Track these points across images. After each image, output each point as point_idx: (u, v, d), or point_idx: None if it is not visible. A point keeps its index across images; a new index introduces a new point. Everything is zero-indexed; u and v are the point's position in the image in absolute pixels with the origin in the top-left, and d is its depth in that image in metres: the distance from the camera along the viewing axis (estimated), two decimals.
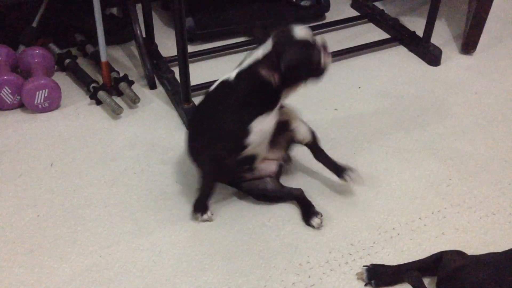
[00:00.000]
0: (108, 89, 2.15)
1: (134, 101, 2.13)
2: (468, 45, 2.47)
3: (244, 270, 1.54)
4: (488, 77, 2.36)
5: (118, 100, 2.17)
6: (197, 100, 2.13)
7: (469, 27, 2.45)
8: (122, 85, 2.16)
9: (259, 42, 1.51)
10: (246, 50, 2.51)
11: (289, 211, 1.72)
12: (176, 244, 1.60)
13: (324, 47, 1.51)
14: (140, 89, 2.25)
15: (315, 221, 1.67)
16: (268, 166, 1.74)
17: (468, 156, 1.95)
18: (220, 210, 1.72)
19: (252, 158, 1.63)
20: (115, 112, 2.07)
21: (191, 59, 2.41)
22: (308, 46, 1.47)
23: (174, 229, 1.65)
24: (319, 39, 1.51)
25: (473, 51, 2.48)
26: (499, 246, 1.59)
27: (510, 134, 2.05)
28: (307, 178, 1.85)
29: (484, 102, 2.21)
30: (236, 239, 1.63)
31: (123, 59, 2.46)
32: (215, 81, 2.17)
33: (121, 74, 2.22)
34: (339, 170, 1.75)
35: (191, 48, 2.47)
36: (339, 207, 1.74)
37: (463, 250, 1.46)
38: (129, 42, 2.55)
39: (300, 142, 1.74)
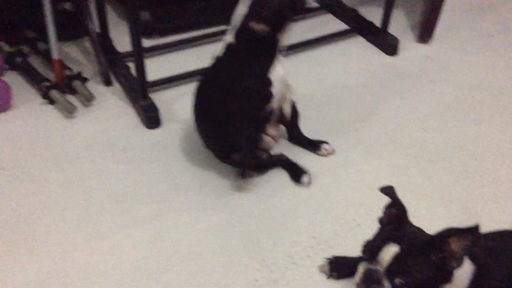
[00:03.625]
0: (61, 88, 2.08)
1: (88, 99, 2.07)
2: (424, 34, 2.50)
3: (206, 269, 1.52)
4: (444, 66, 2.40)
5: (72, 99, 2.09)
6: (156, 96, 2.11)
7: (425, 16, 2.48)
8: (76, 83, 2.10)
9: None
10: (207, 43, 2.47)
11: (251, 208, 1.71)
12: (136, 246, 1.57)
13: None
14: (95, 86, 2.19)
15: (304, 179, 1.78)
16: (269, 141, 1.81)
17: (426, 144, 1.98)
18: (181, 209, 1.70)
19: (270, 113, 1.70)
20: (69, 112, 2.00)
21: (148, 54, 2.36)
22: None
23: (133, 231, 1.62)
24: None
25: (429, 40, 2.51)
26: None
27: (466, 121, 2.09)
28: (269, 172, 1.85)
29: (440, 90, 2.25)
30: (198, 238, 1.61)
31: (77, 56, 2.38)
32: (173, 76, 2.18)
33: (75, 72, 2.15)
34: (315, 146, 1.89)
35: (148, 43, 2.42)
36: (300, 200, 1.75)
37: None
38: (83, 38, 2.46)
39: (284, 119, 1.84)
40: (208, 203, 1.73)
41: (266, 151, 1.81)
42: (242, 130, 1.67)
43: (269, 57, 1.62)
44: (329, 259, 1.53)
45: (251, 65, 1.61)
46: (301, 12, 1.65)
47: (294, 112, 1.87)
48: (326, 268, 1.52)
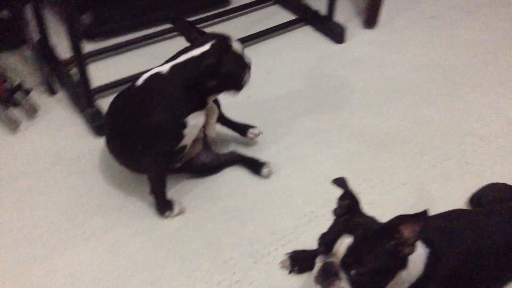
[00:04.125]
0: (2, 102, 1.99)
1: (32, 111, 1.99)
2: (370, 19, 2.52)
3: (166, 277, 1.50)
4: (391, 50, 2.43)
5: (15, 112, 2.01)
6: (104, 102, 2.04)
7: (369, 2, 2.50)
8: (18, 95, 2.01)
9: (194, 44, 1.55)
10: (153, 43, 2.42)
11: (209, 210, 1.69)
12: (92, 261, 1.52)
13: (249, 65, 1.64)
14: (39, 96, 2.10)
15: (265, 171, 1.79)
16: (193, 148, 1.74)
17: (377, 130, 2.00)
18: (136, 218, 1.66)
19: (182, 148, 1.65)
20: (11, 128, 1.92)
21: (93, 58, 2.29)
22: (241, 60, 1.60)
23: (88, 246, 1.57)
24: (247, 55, 1.62)
25: (375, 25, 2.54)
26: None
27: (415, 104, 2.13)
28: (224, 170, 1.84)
29: (389, 75, 2.28)
30: (155, 246, 1.58)
31: (17, 66, 2.27)
32: (120, 80, 2.11)
33: (16, 83, 2.05)
34: (242, 130, 1.88)
35: (92, 46, 2.35)
36: (258, 197, 1.74)
37: None
38: (22, 47, 2.36)
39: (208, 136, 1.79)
40: None
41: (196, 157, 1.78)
42: (149, 162, 1.60)
43: (196, 104, 1.56)
44: (289, 254, 1.53)
45: (173, 102, 1.53)
46: (239, 90, 1.64)
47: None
48: (287, 264, 1.52)
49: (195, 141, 1.71)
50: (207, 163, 1.79)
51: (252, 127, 1.89)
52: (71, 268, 1.50)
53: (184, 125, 1.54)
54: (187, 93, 1.53)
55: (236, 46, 1.58)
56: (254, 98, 2.13)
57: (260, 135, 1.89)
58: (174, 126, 1.54)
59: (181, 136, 1.56)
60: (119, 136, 1.63)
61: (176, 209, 1.66)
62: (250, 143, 1.92)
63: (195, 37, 1.58)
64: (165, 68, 1.54)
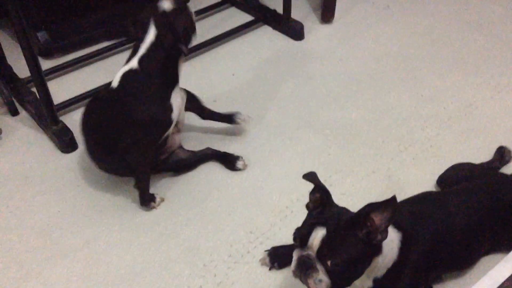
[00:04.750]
0: None
1: None
2: (326, 15, 2.57)
3: (148, 286, 1.49)
4: (349, 43, 2.48)
5: None
6: (68, 117, 2.02)
7: None
8: None
9: (140, 31, 1.59)
10: (111, 55, 2.40)
11: (184, 215, 1.70)
12: (70, 279, 1.51)
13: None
14: (1, 118, 2.06)
15: (239, 164, 1.83)
16: (173, 140, 1.80)
17: (342, 122, 2.04)
18: (111, 231, 1.65)
19: (165, 139, 1.72)
20: None
21: (53, 75, 2.26)
22: (184, 10, 1.62)
23: (65, 263, 1.55)
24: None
25: (332, 19, 2.59)
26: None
27: (376, 93, 2.18)
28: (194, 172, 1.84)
29: (349, 68, 2.33)
30: (134, 257, 1.57)
31: None
32: (82, 94, 2.09)
33: None
34: (229, 118, 1.93)
35: (50, 63, 2.32)
36: (233, 197, 1.75)
37: None
38: None
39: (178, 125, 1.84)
40: (138, 219, 1.69)
41: (178, 148, 1.83)
42: (137, 157, 1.66)
43: (171, 83, 1.64)
44: (268, 251, 1.56)
45: (154, 91, 1.61)
46: (194, 36, 1.69)
47: (191, 97, 1.87)
48: (267, 260, 1.54)
49: (174, 134, 1.78)
50: (183, 159, 1.83)
51: (237, 113, 1.94)
52: None
53: (171, 108, 1.63)
54: (163, 72, 1.60)
55: (167, 5, 1.59)
56: (220, 101, 2.14)
57: (248, 118, 1.94)
58: (163, 111, 1.61)
59: (170, 121, 1.65)
60: (104, 139, 1.67)
61: (158, 200, 1.72)
62: (222, 141, 1.95)
63: (136, 29, 1.62)
64: (134, 63, 1.59)
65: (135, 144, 1.62)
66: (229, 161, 1.84)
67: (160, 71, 1.60)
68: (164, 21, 1.57)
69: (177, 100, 1.66)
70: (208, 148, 1.89)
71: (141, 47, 1.59)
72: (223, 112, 1.95)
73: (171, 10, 1.58)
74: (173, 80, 1.65)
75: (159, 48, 1.58)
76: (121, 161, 1.69)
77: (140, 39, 1.60)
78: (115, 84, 1.62)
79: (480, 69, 2.29)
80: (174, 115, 1.66)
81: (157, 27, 1.57)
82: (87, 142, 1.72)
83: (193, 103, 1.88)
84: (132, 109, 1.59)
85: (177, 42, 1.57)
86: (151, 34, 1.58)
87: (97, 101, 1.71)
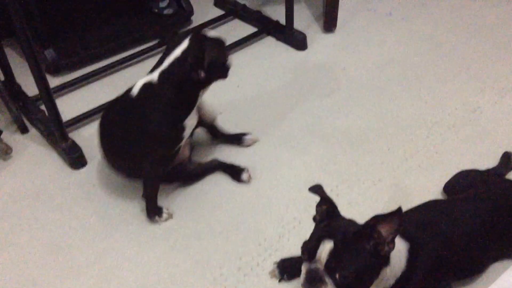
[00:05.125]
0: None
1: (6, 151, 1.98)
2: (329, 23, 2.59)
3: None
4: (352, 51, 2.50)
5: None
6: (76, 134, 2.05)
7: (326, 7, 2.57)
8: None
9: (172, 45, 1.61)
10: (120, 70, 2.43)
11: (193, 228, 1.72)
12: None
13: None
14: (11, 136, 2.09)
15: (244, 176, 1.84)
16: (182, 152, 1.80)
17: (347, 131, 2.06)
18: (122, 246, 1.67)
19: (178, 150, 1.73)
20: None
21: (61, 92, 2.29)
22: (221, 45, 1.64)
23: (77, 279, 1.57)
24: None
25: (334, 28, 2.60)
26: (388, 209, 1.70)
27: (381, 101, 2.19)
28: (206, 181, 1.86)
29: (353, 76, 2.35)
30: (145, 271, 1.59)
31: None
32: (90, 110, 2.12)
33: None
34: (239, 139, 1.97)
35: (58, 80, 2.35)
36: (241, 209, 1.77)
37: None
38: None
39: (208, 123, 1.89)
40: (148, 233, 1.71)
41: (185, 160, 1.85)
42: (148, 166, 1.68)
43: (190, 104, 1.64)
44: (277, 263, 1.57)
45: (168, 110, 1.61)
46: (226, 75, 1.70)
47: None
48: (277, 273, 1.55)
49: (185, 146, 1.80)
50: (190, 170, 1.85)
51: (248, 134, 1.99)
52: None
53: (183, 128, 1.64)
54: (180, 94, 1.59)
55: (213, 33, 1.62)
56: (225, 113, 2.17)
57: (256, 139, 1.99)
58: (175, 131, 1.64)
59: (180, 139, 1.67)
60: (118, 145, 1.70)
61: (165, 215, 1.73)
62: (229, 152, 1.97)
63: (169, 39, 1.65)
64: (154, 76, 1.60)
65: (148, 154, 1.65)
66: (235, 173, 1.86)
67: (177, 90, 1.59)
68: (200, 44, 1.55)
69: (190, 122, 1.67)
70: (214, 160, 1.91)
71: (166, 61, 1.59)
72: (232, 132, 2.00)
73: (212, 37, 1.60)
74: (190, 105, 1.64)
75: (182, 66, 1.56)
76: (134, 166, 1.72)
77: (168, 52, 1.60)
78: (134, 92, 1.63)
79: (484, 73, 2.30)
80: (186, 134, 1.67)
81: (189, 45, 1.56)
82: (102, 142, 1.74)
83: (206, 123, 1.92)
84: (145, 122, 1.62)
85: (197, 68, 1.55)
86: (179, 49, 1.57)
87: (117, 106, 1.73)
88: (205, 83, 1.63)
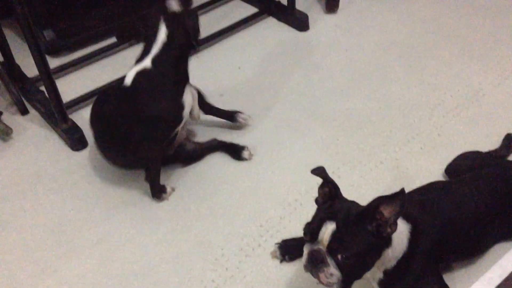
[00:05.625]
0: None
1: (6, 133, 1.97)
2: (331, 4, 2.56)
3: (160, 281, 1.52)
4: (354, 32, 2.48)
5: None
6: (77, 115, 2.04)
7: None
8: None
9: (148, 31, 1.63)
10: (119, 51, 2.41)
11: (195, 210, 1.72)
12: (85, 275, 1.54)
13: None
14: (11, 117, 2.08)
15: (245, 154, 1.86)
16: (181, 134, 1.82)
17: (349, 113, 2.05)
18: (124, 227, 1.68)
19: (176, 133, 1.76)
20: None
21: (60, 73, 2.28)
22: (191, 10, 1.69)
23: (79, 260, 1.58)
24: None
25: (337, 9, 2.58)
26: (390, 191, 1.70)
27: (383, 83, 2.18)
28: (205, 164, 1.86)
29: (355, 57, 2.33)
30: (147, 252, 1.60)
31: None
32: (91, 92, 2.11)
33: None
34: (231, 116, 1.97)
35: (57, 61, 2.33)
36: (242, 190, 1.77)
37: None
38: None
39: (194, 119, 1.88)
40: (150, 215, 1.71)
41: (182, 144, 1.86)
42: (148, 152, 1.70)
43: (183, 81, 1.69)
44: (278, 244, 1.58)
45: (168, 89, 1.65)
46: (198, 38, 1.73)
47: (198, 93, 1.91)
48: (278, 253, 1.56)
49: (182, 129, 1.80)
50: (190, 151, 1.86)
51: (239, 112, 1.97)
52: (65, 285, 1.52)
53: (182, 106, 1.67)
54: (177, 71, 1.65)
55: (176, 6, 1.63)
56: (227, 95, 2.16)
57: (249, 118, 1.97)
58: (175, 110, 1.67)
59: (181, 118, 1.69)
60: (114, 135, 1.70)
61: (168, 190, 1.77)
62: (230, 134, 1.97)
63: (145, 29, 1.65)
64: (147, 63, 1.63)
65: (146, 140, 1.66)
66: (235, 151, 1.88)
67: (174, 69, 1.64)
68: (175, 21, 1.61)
69: (188, 97, 1.70)
70: (214, 139, 1.92)
71: (153, 47, 1.62)
72: (226, 109, 1.98)
73: (180, 11, 1.63)
74: (185, 77, 1.70)
75: (172, 48, 1.62)
76: (132, 155, 1.73)
77: (150, 40, 1.63)
78: (128, 82, 1.64)
79: (486, 55, 2.28)
80: (185, 113, 1.70)
81: (168, 27, 1.61)
82: (97, 137, 1.75)
83: (201, 100, 1.91)
84: (145, 107, 1.64)
85: (190, 41, 1.62)
86: (162, 34, 1.62)
87: (108, 97, 1.75)
88: (191, 52, 1.70)
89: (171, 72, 1.64)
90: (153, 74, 1.63)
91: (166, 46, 1.62)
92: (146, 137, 1.66)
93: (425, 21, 2.51)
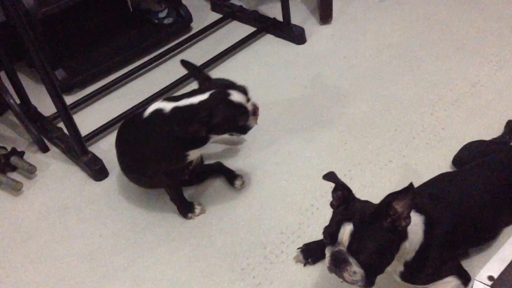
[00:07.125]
0: (0, 169, 2.07)
1: (31, 171, 2.07)
2: (325, 15, 2.65)
3: None
4: (350, 39, 2.56)
5: (14, 175, 2.09)
6: (95, 147, 2.14)
7: None
8: (13, 159, 2.09)
9: (200, 89, 1.65)
10: (128, 82, 2.51)
11: (218, 224, 1.80)
12: None
13: (254, 111, 1.69)
14: (33, 156, 2.19)
15: (237, 183, 1.90)
16: (194, 163, 1.84)
17: (354, 116, 2.13)
18: (152, 248, 1.75)
19: (190, 163, 1.77)
20: (15, 189, 2.00)
21: (74, 110, 2.37)
22: (239, 109, 1.63)
23: (113, 285, 1.66)
24: (252, 103, 1.69)
25: (331, 19, 2.67)
26: (401, 188, 1.76)
27: (383, 85, 2.26)
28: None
29: (354, 63, 2.41)
30: (176, 269, 1.68)
31: (6, 132, 2.36)
32: (106, 123, 2.20)
33: (9, 148, 2.14)
34: (230, 178, 1.93)
35: (71, 99, 2.43)
36: (260, 201, 1.85)
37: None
38: (6, 113, 2.44)
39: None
40: (175, 233, 1.79)
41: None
42: (161, 181, 1.79)
43: (194, 144, 1.67)
44: (300, 248, 1.64)
45: (175, 141, 1.65)
46: (244, 133, 1.74)
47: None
48: (301, 257, 1.63)
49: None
50: (197, 173, 1.91)
51: (240, 176, 1.92)
52: None
53: (185, 157, 1.70)
54: (187, 135, 1.61)
55: (235, 96, 1.63)
56: None
57: (243, 185, 1.92)
58: (177, 157, 1.70)
59: (184, 162, 1.72)
60: (131, 159, 1.80)
61: (197, 210, 1.83)
62: (242, 149, 2.05)
63: (202, 82, 1.69)
64: (168, 106, 1.65)
65: (157, 170, 1.74)
66: (230, 178, 1.92)
67: (184, 132, 1.60)
68: (215, 102, 1.59)
69: (195, 154, 1.73)
70: (217, 163, 1.98)
71: (184, 100, 1.63)
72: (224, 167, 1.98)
73: (231, 100, 1.61)
74: (196, 144, 1.67)
75: (190, 117, 1.59)
76: (149, 180, 1.82)
77: (191, 93, 1.66)
78: (146, 114, 1.70)
79: (480, 47, 2.36)
80: (187, 160, 1.72)
81: (207, 101, 1.60)
82: (119, 158, 1.86)
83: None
84: (152, 145, 1.69)
85: (217, 131, 1.63)
86: (199, 98, 1.61)
87: (129, 125, 1.84)
88: (213, 134, 1.66)
89: (180, 130, 1.61)
90: (166, 119, 1.64)
91: (190, 108, 1.60)
92: (156, 172, 1.74)
93: (418, 20, 2.60)
